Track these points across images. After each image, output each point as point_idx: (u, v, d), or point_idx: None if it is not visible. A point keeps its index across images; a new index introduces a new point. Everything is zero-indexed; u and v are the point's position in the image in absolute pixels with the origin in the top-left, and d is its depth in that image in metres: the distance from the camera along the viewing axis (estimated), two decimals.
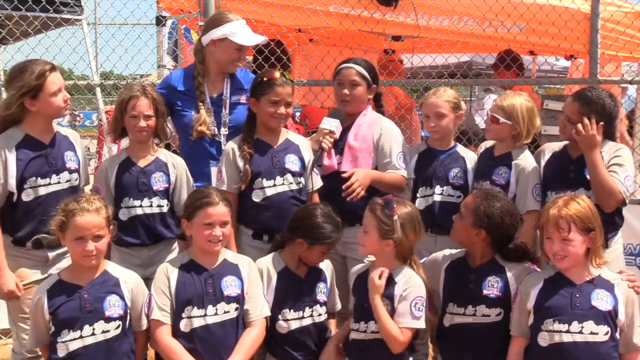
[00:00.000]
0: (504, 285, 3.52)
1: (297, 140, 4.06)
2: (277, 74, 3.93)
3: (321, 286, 3.70)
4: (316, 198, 4.03)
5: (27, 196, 3.72)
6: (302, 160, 3.98)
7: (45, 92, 3.70)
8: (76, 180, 3.86)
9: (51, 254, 3.78)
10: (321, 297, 3.70)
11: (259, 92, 3.92)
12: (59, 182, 3.78)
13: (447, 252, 3.76)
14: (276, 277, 3.66)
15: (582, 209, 3.31)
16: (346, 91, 4.13)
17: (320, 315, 3.68)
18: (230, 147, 3.95)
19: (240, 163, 3.89)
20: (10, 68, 3.91)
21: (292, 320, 3.63)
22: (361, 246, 3.54)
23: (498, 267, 3.57)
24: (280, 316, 3.62)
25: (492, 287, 3.53)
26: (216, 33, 4.18)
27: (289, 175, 3.91)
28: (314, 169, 4.03)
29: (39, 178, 3.73)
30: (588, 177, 3.82)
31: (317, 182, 4.06)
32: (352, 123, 4.15)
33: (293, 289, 3.66)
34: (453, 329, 3.58)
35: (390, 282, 3.49)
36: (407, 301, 3.43)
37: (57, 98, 3.74)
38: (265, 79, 3.92)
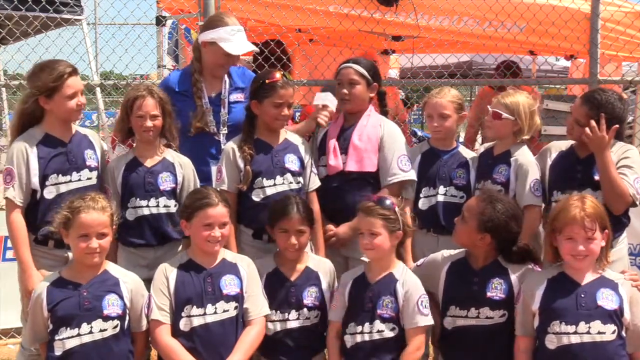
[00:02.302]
0: (507, 287, 3.51)
1: (296, 140, 4.05)
2: (278, 76, 3.92)
3: (312, 290, 3.68)
4: (314, 198, 4.01)
5: (49, 193, 3.76)
6: (301, 159, 3.97)
7: (61, 94, 3.74)
8: (96, 177, 3.89)
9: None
10: (310, 300, 3.66)
11: (261, 94, 3.91)
12: (79, 180, 3.81)
13: (445, 252, 3.74)
14: (265, 278, 3.68)
15: (598, 207, 3.33)
16: (345, 90, 4.12)
17: (308, 319, 3.66)
18: (230, 147, 3.95)
19: (241, 163, 3.89)
20: (34, 65, 3.96)
21: (277, 321, 3.63)
22: (370, 251, 3.52)
23: (501, 269, 3.56)
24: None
25: (495, 289, 3.51)
26: (207, 35, 4.19)
27: (288, 175, 3.91)
28: (313, 170, 4.02)
29: (60, 175, 3.76)
30: (596, 177, 3.81)
31: (315, 182, 4.04)
32: (356, 123, 4.13)
33: (280, 291, 3.66)
34: (455, 332, 3.55)
35: (391, 278, 3.52)
36: (414, 300, 3.47)
37: (70, 101, 3.77)
38: (267, 81, 3.91)
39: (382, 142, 4.10)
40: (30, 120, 3.84)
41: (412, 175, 4.11)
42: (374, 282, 3.55)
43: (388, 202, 3.55)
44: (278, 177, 3.90)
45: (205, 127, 4.15)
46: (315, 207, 3.95)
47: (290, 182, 3.91)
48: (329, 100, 4.10)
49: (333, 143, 4.10)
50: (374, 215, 3.49)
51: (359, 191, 4.03)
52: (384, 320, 3.48)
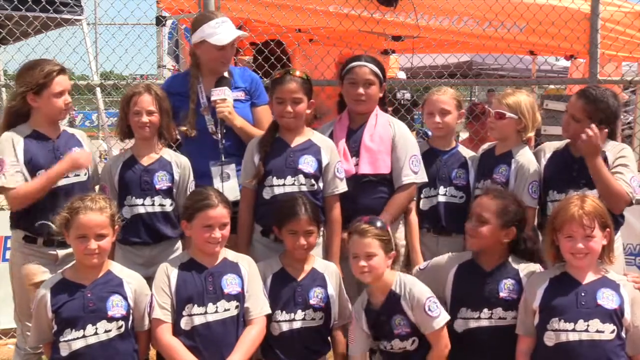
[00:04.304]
0: (519, 288, 3.51)
1: (321, 142, 3.96)
2: (284, 73, 3.89)
3: (318, 291, 3.68)
4: (332, 202, 3.90)
5: None
6: (319, 162, 3.88)
7: (49, 91, 3.78)
8: (85, 174, 3.91)
9: (61, 253, 3.81)
10: (316, 301, 3.66)
11: (270, 92, 3.94)
12: (67, 176, 3.83)
13: (451, 255, 3.74)
14: (271, 279, 3.67)
15: (598, 205, 3.33)
16: (361, 90, 4.01)
17: (313, 319, 3.66)
18: (252, 143, 3.95)
19: (257, 159, 3.88)
20: (22, 64, 4.01)
21: (283, 322, 3.63)
22: (368, 273, 3.45)
23: (512, 270, 3.57)
24: (271, 317, 3.62)
25: (508, 289, 3.52)
26: (196, 37, 4.18)
27: (301, 176, 3.84)
28: (337, 175, 3.89)
29: (47, 171, 3.77)
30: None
31: (336, 187, 3.91)
32: (365, 123, 4.05)
33: (286, 290, 3.65)
34: (467, 334, 3.53)
35: (393, 296, 3.50)
36: (421, 309, 3.45)
37: (58, 99, 3.81)
38: (275, 78, 3.93)
39: (394, 142, 4.03)
40: (17, 119, 3.86)
41: (422, 177, 4.06)
42: (380, 306, 3.53)
43: (380, 222, 3.51)
44: (289, 177, 3.83)
45: (188, 131, 4.10)
46: (335, 212, 3.89)
47: (302, 184, 3.83)
48: (226, 94, 4.08)
49: (342, 146, 4.02)
50: (369, 236, 3.44)
51: (373, 194, 3.97)
52: (402, 338, 3.49)
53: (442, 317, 3.46)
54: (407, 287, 3.50)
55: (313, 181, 3.85)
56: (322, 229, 3.86)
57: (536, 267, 3.59)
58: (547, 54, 7.52)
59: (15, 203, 3.77)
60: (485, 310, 3.52)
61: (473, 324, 3.53)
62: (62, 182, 3.81)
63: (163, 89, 4.32)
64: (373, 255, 3.43)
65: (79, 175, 3.88)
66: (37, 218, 3.76)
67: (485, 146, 4.30)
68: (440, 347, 3.46)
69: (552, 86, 9.82)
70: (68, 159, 3.80)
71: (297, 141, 3.91)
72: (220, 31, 4.12)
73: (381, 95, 4.14)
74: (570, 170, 3.92)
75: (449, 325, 3.54)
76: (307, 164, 3.86)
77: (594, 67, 5.68)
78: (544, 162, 4.05)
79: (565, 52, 6.86)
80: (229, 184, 4.05)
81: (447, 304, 3.62)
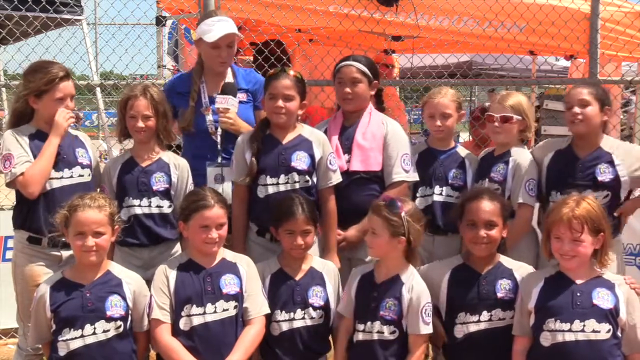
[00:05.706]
0: (515, 287, 3.52)
1: (312, 136, 3.96)
2: (279, 70, 3.93)
3: (316, 290, 3.68)
4: (327, 195, 3.91)
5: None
6: (312, 157, 3.88)
7: (50, 96, 3.80)
8: (89, 175, 3.92)
9: (65, 254, 3.81)
10: (315, 300, 3.66)
11: (264, 90, 3.94)
12: (71, 177, 3.85)
13: (439, 262, 3.75)
14: (269, 279, 3.68)
15: (593, 209, 3.31)
16: (348, 89, 4.05)
17: (313, 319, 3.65)
18: (242, 139, 3.94)
19: (248, 156, 3.87)
20: (28, 65, 4.00)
21: (283, 321, 3.63)
22: (370, 249, 3.53)
23: (506, 270, 3.58)
24: (270, 317, 3.62)
25: (505, 289, 3.53)
26: (196, 35, 4.21)
27: (294, 174, 3.84)
28: (330, 167, 3.90)
29: (52, 170, 3.78)
30: (599, 178, 3.83)
31: (331, 179, 3.91)
32: (358, 121, 4.08)
33: (285, 290, 3.65)
34: (468, 339, 3.53)
35: (397, 281, 3.50)
36: (418, 308, 3.46)
37: (58, 105, 3.82)
38: (269, 75, 3.94)
39: (386, 140, 4.06)
40: (22, 119, 3.88)
41: (413, 175, 4.08)
42: (380, 282, 3.53)
43: (396, 205, 3.50)
44: (282, 175, 3.84)
45: (189, 128, 4.13)
46: (330, 204, 3.90)
47: (295, 182, 3.83)
48: (230, 104, 4.09)
49: (335, 142, 4.05)
50: (378, 215, 3.48)
51: (364, 191, 3.99)
52: (385, 322, 3.47)
53: (429, 327, 3.47)
54: (414, 281, 3.51)
55: (307, 177, 3.86)
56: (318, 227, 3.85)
57: (529, 266, 3.61)
58: (547, 54, 7.51)
59: (30, 185, 3.69)
60: (485, 312, 3.51)
61: (473, 328, 3.52)
62: (65, 182, 3.81)
63: (167, 87, 4.34)
64: (377, 234, 3.47)
65: (82, 175, 3.88)
66: (41, 218, 3.76)
67: (487, 149, 4.30)
68: (419, 354, 3.47)
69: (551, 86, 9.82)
70: (57, 126, 3.76)
71: (288, 137, 3.92)
72: (214, 29, 4.12)
73: (373, 92, 4.15)
74: (574, 171, 3.90)
75: (448, 331, 3.55)
76: (300, 160, 3.86)
77: (594, 67, 5.69)
78: (546, 161, 4.03)
79: (565, 52, 6.85)
80: (223, 187, 4.03)
81: (442, 311, 3.61)
